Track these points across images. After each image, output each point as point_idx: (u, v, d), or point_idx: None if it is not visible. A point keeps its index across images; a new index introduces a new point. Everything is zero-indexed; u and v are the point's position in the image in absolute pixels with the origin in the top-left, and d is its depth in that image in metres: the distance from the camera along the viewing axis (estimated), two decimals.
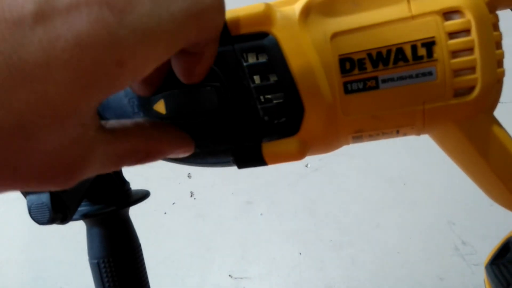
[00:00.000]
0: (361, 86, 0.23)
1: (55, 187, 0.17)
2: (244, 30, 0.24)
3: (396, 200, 0.85)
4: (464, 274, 0.77)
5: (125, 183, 0.36)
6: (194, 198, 0.93)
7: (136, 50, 0.15)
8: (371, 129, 0.25)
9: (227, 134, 0.25)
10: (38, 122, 0.14)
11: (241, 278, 0.82)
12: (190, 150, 0.24)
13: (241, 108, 0.24)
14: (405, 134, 0.26)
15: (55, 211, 0.26)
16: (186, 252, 0.87)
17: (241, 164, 0.26)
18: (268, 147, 0.25)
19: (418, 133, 0.26)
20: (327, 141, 0.25)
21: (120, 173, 0.35)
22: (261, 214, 0.88)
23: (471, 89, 0.23)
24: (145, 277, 0.36)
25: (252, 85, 0.24)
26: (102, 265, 0.33)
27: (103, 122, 0.19)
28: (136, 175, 0.94)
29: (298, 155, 0.25)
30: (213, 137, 0.25)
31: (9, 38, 0.13)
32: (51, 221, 0.26)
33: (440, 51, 0.23)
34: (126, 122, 0.20)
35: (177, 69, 0.22)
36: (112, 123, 0.20)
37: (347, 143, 0.26)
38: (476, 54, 0.23)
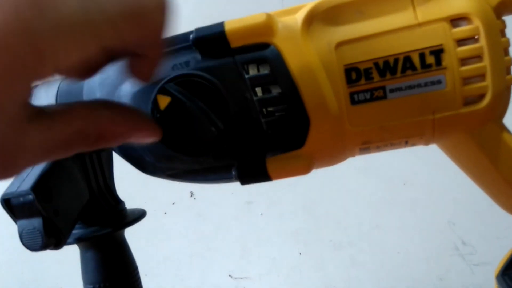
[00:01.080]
0: (368, 96, 0.23)
1: None
2: (244, 41, 0.23)
3: (396, 200, 0.84)
4: (464, 274, 0.77)
5: (119, 203, 0.34)
6: (194, 198, 0.92)
7: (56, 43, 0.15)
8: (379, 140, 0.24)
9: (229, 149, 0.24)
10: None
11: (241, 278, 0.82)
12: (155, 136, 0.23)
13: (244, 122, 0.24)
14: (413, 145, 0.25)
15: (48, 236, 0.25)
16: (186, 252, 0.86)
17: (245, 180, 0.25)
18: (272, 162, 0.24)
19: (427, 143, 0.25)
20: (333, 154, 0.25)
21: (114, 193, 0.33)
22: (261, 214, 0.88)
23: (481, 97, 0.23)
24: None
25: (254, 98, 0.23)
26: None
27: (43, 106, 0.18)
28: (136, 175, 0.94)
29: (304, 169, 0.24)
30: (215, 152, 0.24)
31: None
32: (44, 247, 0.25)
33: (449, 59, 0.22)
34: (72, 104, 0.19)
35: (125, 68, 0.21)
36: (53, 107, 0.19)
37: (353, 155, 0.26)
38: (486, 61, 0.22)
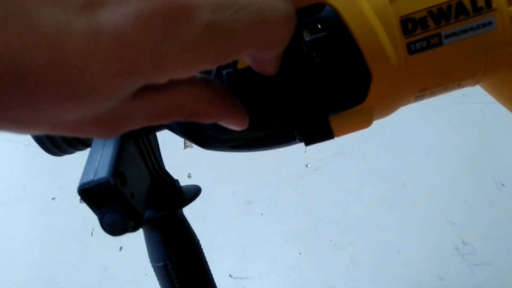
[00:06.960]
0: (424, 44, 0.24)
1: (97, 136, 0.18)
2: (299, 4, 0.23)
3: (396, 200, 0.84)
4: (464, 274, 0.76)
5: (175, 182, 0.35)
6: None
7: (178, 60, 0.15)
8: (435, 86, 0.25)
9: (295, 111, 0.24)
10: (71, 100, 0.14)
11: (241, 278, 0.82)
12: (242, 124, 0.22)
13: (308, 85, 0.24)
14: (464, 86, 0.26)
15: (130, 219, 0.25)
16: None
17: (309, 141, 0.25)
18: (335, 120, 0.25)
19: (477, 82, 0.26)
20: (391, 104, 0.25)
21: (167, 172, 0.34)
22: (261, 214, 0.87)
23: None
24: (210, 274, 0.36)
25: (317, 60, 0.23)
26: (170, 267, 0.33)
27: None
28: None
29: (366, 123, 0.25)
30: (278, 117, 0.25)
31: (54, 21, 0.13)
32: (126, 230, 0.25)
33: (497, 1, 0.23)
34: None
35: (249, 64, 0.21)
36: None
37: (408, 103, 0.26)
38: None
